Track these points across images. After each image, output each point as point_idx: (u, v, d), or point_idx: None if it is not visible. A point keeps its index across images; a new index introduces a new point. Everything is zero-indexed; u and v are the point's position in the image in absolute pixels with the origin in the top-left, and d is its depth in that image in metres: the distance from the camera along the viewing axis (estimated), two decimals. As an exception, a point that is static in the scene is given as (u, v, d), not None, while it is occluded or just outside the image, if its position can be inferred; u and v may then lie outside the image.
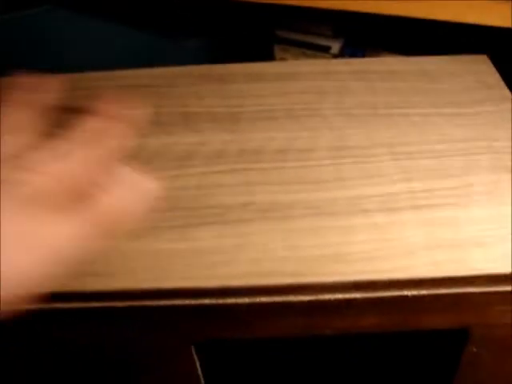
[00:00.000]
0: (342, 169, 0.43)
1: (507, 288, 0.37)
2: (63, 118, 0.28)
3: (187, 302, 0.36)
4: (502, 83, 0.51)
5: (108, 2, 0.70)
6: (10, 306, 0.26)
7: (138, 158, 0.44)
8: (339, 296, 0.36)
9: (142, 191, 0.30)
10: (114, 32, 0.70)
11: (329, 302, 0.37)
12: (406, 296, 0.37)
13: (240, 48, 0.64)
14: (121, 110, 0.31)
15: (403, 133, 0.46)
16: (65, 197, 0.28)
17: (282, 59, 0.69)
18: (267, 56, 0.69)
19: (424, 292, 0.37)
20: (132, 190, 0.30)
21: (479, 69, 0.53)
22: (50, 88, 0.31)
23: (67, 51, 0.66)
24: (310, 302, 0.36)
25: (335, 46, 0.66)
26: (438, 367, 0.45)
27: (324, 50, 0.67)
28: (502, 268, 0.37)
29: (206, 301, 0.36)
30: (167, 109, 0.49)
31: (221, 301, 0.36)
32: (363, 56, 0.67)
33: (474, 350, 0.41)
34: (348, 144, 0.45)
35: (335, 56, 0.68)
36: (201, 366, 0.41)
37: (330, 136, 0.46)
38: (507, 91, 0.50)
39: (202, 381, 0.41)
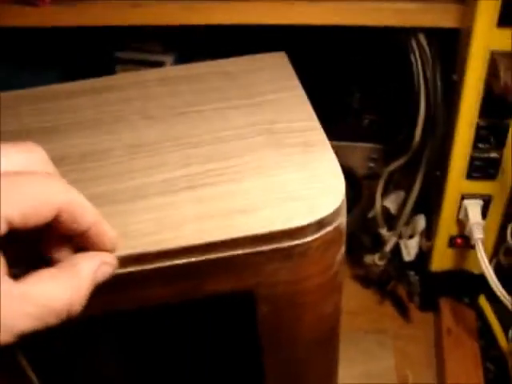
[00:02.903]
0: (133, 163, 0.48)
1: (271, 247, 0.42)
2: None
3: None
4: (293, 75, 0.57)
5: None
6: None
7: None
8: (121, 271, 0.41)
9: None
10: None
11: (113, 277, 0.41)
12: (178, 264, 0.41)
13: (84, 72, 0.69)
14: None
15: (193, 126, 0.51)
16: None
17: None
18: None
19: (194, 258, 0.41)
20: None
21: (275, 64, 0.58)
22: None
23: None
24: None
25: (168, 61, 0.72)
26: (244, 333, 0.49)
27: (159, 66, 0.72)
28: (262, 229, 0.42)
29: None
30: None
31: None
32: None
33: (265, 310, 0.46)
34: (142, 142, 0.50)
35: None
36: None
37: (130, 137, 0.51)
38: (297, 81, 0.56)
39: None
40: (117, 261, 0.39)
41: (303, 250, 0.43)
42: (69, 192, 0.34)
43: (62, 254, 0.36)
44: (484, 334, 0.94)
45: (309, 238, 0.43)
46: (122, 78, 0.59)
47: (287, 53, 0.60)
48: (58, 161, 0.49)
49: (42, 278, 0.34)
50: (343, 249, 0.48)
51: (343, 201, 0.44)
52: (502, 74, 0.62)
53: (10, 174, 0.33)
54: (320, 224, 0.43)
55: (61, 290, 0.34)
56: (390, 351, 0.93)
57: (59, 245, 0.36)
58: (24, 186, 0.32)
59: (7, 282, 0.32)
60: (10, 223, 0.31)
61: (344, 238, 0.47)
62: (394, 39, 0.75)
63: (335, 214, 0.43)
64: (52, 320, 0.33)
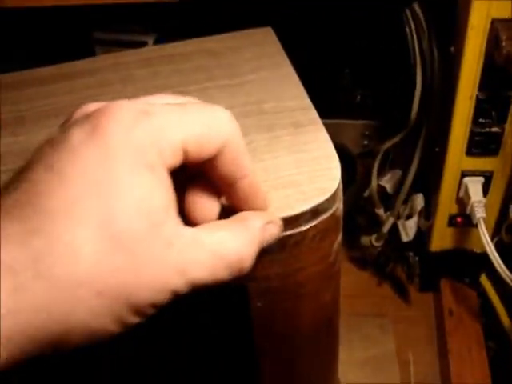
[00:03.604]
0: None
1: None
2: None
3: None
4: (281, 51, 0.53)
5: None
6: None
7: None
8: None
9: None
10: None
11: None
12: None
13: (63, 53, 0.65)
14: None
15: (177, 109, 0.47)
16: None
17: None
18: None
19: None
20: None
21: (261, 41, 0.55)
22: None
23: None
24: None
25: (150, 40, 0.68)
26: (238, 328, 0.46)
27: (141, 46, 0.68)
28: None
29: None
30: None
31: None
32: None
33: (259, 304, 0.43)
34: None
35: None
36: None
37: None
38: (285, 58, 0.53)
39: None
40: (282, 223, 0.35)
41: (298, 240, 0.40)
42: (235, 124, 0.30)
43: (207, 214, 0.32)
44: (485, 313, 0.92)
45: (303, 227, 0.39)
46: (101, 61, 0.55)
47: (273, 28, 0.56)
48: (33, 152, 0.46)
49: (214, 227, 0.31)
50: (340, 237, 0.45)
51: (339, 185, 0.41)
52: (504, 43, 0.59)
53: (177, 103, 0.30)
54: (315, 212, 0.40)
55: (234, 240, 0.31)
56: (390, 334, 0.90)
57: (206, 200, 0.32)
58: (195, 112, 0.29)
59: (179, 223, 0.28)
60: (185, 151, 0.28)
61: (341, 225, 0.44)
62: (387, 9, 0.72)
63: (331, 200, 0.40)
64: (223, 273, 0.30)
